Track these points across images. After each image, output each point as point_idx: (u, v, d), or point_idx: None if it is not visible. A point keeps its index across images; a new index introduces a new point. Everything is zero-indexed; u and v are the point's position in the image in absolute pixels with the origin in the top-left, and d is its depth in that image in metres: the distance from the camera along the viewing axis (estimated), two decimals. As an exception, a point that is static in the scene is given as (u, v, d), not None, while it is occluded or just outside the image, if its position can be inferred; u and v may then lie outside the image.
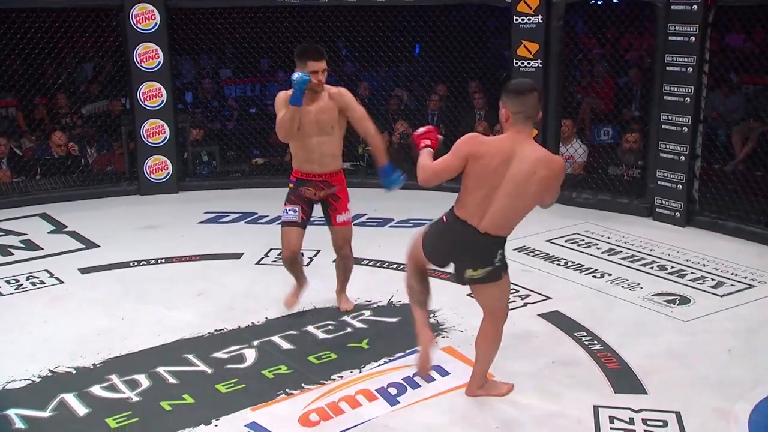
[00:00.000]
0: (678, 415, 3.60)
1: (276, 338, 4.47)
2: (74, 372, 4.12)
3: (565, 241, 6.18)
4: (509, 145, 3.22)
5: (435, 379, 3.95)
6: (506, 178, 3.21)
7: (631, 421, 3.57)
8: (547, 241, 6.13)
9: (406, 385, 3.90)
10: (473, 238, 3.31)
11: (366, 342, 4.41)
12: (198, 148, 8.19)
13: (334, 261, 4.82)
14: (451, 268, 3.53)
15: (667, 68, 6.32)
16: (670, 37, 6.26)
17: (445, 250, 3.46)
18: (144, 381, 4.00)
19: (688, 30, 6.16)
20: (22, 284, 5.41)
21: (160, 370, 4.11)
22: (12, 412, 3.73)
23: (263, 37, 8.27)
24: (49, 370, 4.13)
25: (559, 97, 6.99)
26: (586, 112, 8.17)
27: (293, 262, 4.58)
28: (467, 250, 3.37)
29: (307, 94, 4.19)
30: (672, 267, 5.55)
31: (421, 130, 3.60)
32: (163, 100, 7.61)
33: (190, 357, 4.25)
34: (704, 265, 5.55)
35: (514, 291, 5.11)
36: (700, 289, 5.13)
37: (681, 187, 6.43)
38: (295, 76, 4.10)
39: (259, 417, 3.64)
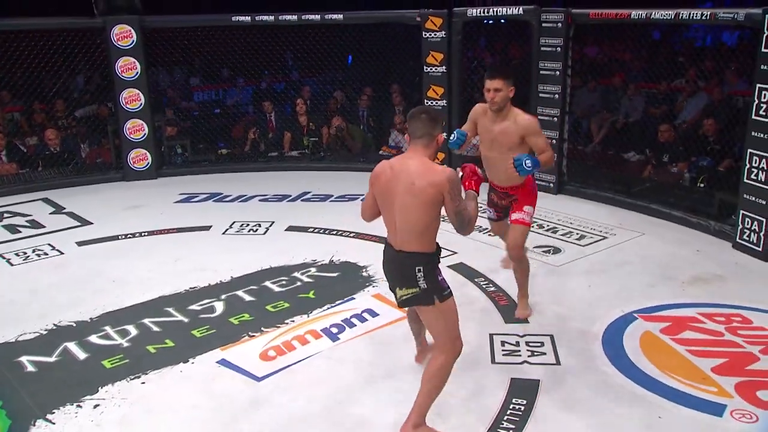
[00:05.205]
0: (552, 337, 3.71)
1: (240, 292, 4.38)
2: (75, 325, 3.96)
3: (467, 208, 6.21)
4: (398, 162, 2.75)
5: (367, 320, 3.94)
6: (396, 193, 2.71)
7: (518, 344, 3.65)
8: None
9: (344, 325, 3.89)
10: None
11: (312, 293, 4.36)
12: (172, 141, 7.90)
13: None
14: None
15: (541, 72, 6.38)
16: (542, 48, 6.32)
17: None
18: (132, 330, 3.88)
19: (555, 42, 6.23)
20: (29, 256, 5.15)
21: (146, 321, 3.99)
22: (24, 359, 3.58)
23: (224, 50, 7.97)
24: (54, 324, 3.96)
25: (460, 96, 6.98)
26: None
27: None
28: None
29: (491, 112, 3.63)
30: (547, 225, 5.66)
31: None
32: (141, 104, 7.29)
33: (170, 310, 4.14)
34: (571, 223, 5.67)
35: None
36: (568, 242, 5.25)
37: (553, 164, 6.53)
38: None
39: (227, 355, 3.59)
